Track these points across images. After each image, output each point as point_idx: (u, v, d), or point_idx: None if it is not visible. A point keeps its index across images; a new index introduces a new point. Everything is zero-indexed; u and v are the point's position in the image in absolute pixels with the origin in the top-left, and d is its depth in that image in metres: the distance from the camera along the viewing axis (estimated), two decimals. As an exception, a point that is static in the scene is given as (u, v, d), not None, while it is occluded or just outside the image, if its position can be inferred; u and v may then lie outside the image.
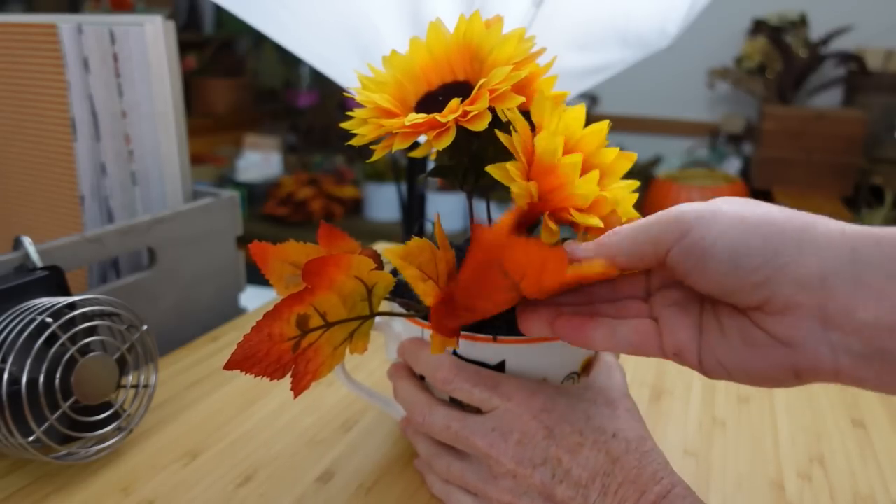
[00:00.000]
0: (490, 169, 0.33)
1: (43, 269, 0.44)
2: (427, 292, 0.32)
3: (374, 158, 0.36)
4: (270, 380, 0.33)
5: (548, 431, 0.33)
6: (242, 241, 0.61)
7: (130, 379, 0.44)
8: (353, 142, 0.36)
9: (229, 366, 0.32)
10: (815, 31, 2.42)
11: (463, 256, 0.39)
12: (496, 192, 0.37)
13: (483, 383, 0.35)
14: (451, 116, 0.33)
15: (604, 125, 0.36)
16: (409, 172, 1.27)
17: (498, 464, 0.34)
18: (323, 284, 0.32)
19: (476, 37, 0.36)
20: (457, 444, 0.36)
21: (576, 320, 0.32)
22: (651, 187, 2.39)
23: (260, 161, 2.99)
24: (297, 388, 0.33)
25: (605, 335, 0.31)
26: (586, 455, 0.32)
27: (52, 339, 0.39)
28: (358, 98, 0.37)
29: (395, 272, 0.40)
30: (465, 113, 0.33)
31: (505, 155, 0.34)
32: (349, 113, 0.36)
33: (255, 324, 0.31)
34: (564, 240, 0.33)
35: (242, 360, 0.32)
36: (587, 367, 0.39)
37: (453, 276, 0.33)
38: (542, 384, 0.36)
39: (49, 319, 0.39)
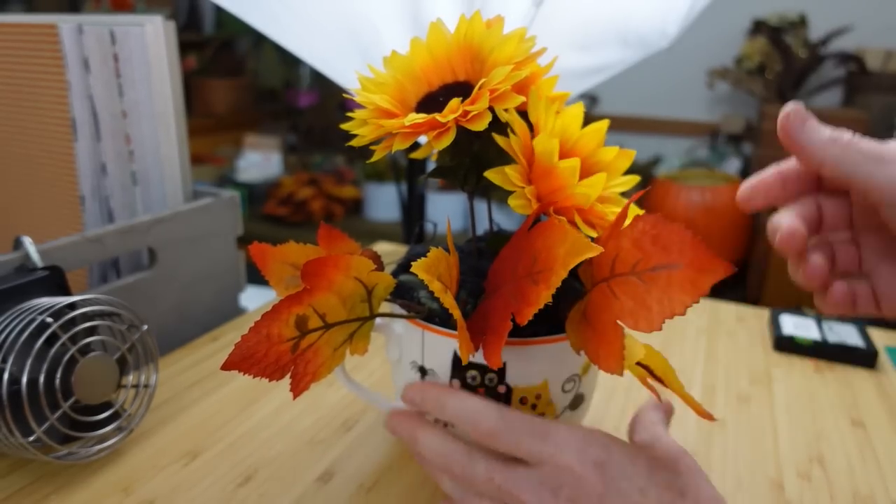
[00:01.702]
0: (489, 174, 0.33)
1: (43, 269, 0.44)
2: (452, 304, 0.32)
3: (374, 159, 0.36)
4: (269, 381, 0.32)
5: (604, 487, 0.30)
6: (242, 241, 0.61)
7: (131, 379, 0.44)
8: (354, 143, 0.36)
9: (227, 366, 0.31)
10: (815, 31, 2.42)
11: (466, 258, 0.39)
12: (497, 192, 0.37)
13: (533, 433, 0.32)
14: (452, 116, 0.33)
15: (603, 124, 0.36)
16: (409, 172, 1.27)
17: None
18: (322, 285, 0.32)
19: (477, 37, 0.36)
20: (500, 497, 0.32)
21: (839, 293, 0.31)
22: (651, 187, 2.38)
23: (260, 161, 2.99)
24: (297, 390, 0.33)
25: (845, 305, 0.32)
26: None
27: (53, 339, 0.39)
28: (358, 99, 0.37)
29: (395, 273, 0.40)
30: (466, 113, 0.33)
31: (506, 155, 0.34)
32: (349, 114, 0.36)
33: (252, 324, 0.31)
34: None
35: (240, 361, 0.32)
36: (588, 368, 0.39)
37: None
38: (594, 432, 0.33)
39: (49, 319, 0.39)
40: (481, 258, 0.40)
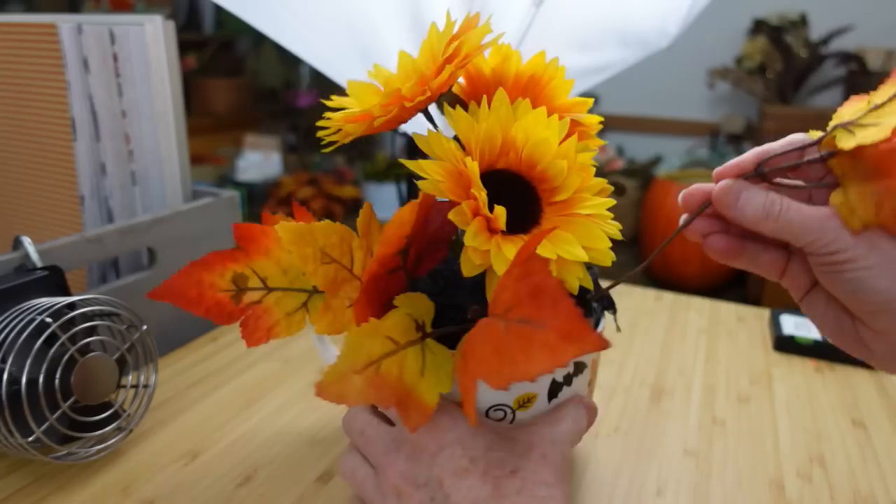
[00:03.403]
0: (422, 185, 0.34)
1: (43, 269, 0.44)
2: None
3: (329, 149, 0.37)
4: (215, 322, 0.34)
5: (437, 448, 0.31)
6: (242, 241, 0.61)
7: (130, 379, 0.44)
8: (334, 137, 0.36)
9: (154, 295, 0.34)
10: (815, 31, 2.42)
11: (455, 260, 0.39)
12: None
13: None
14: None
15: (540, 56, 0.37)
16: (409, 172, 1.27)
17: (386, 478, 0.32)
18: (257, 250, 0.35)
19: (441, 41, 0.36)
20: (364, 449, 0.34)
21: (728, 242, 0.33)
22: (651, 187, 2.38)
23: (260, 161, 2.99)
24: (249, 340, 0.35)
25: (749, 260, 0.34)
26: (470, 483, 0.30)
27: (52, 339, 0.39)
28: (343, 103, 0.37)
29: None
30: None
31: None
32: (326, 114, 0.37)
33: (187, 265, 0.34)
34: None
35: (168, 293, 0.34)
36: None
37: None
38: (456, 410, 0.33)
39: (49, 319, 0.39)
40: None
